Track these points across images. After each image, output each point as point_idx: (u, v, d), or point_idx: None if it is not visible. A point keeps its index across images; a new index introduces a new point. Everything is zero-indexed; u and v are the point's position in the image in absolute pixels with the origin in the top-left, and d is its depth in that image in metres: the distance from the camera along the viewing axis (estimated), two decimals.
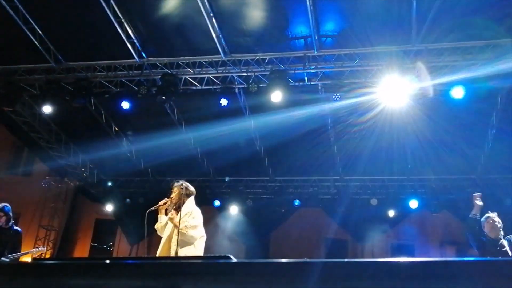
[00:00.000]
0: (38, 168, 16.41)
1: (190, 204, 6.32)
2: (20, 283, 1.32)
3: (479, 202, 6.81)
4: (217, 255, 1.93)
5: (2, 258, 7.54)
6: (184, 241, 5.98)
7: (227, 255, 1.51)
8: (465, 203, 12.51)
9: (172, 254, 5.89)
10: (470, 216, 6.82)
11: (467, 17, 8.50)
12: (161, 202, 6.29)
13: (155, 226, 6.31)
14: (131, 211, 15.10)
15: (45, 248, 8.48)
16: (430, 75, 8.96)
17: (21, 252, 7.96)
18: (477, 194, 6.98)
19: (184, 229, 5.95)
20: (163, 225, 6.25)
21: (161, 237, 6.34)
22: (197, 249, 6.13)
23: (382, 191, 13.71)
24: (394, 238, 15.00)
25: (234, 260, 1.37)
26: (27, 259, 13.51)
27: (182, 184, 6.32)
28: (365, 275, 1.19)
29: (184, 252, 5.92)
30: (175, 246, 5.86)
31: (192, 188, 6.44)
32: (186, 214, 6.14)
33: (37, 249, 9.21)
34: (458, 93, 9.00)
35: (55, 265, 1.46)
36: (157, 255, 6.19)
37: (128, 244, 16.32)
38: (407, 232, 14.60)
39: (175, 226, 5.98)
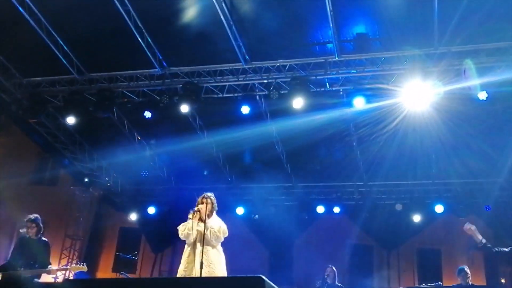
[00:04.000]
0: (63, 178, 16.64)
1: (218, 219, 6.49)
2: None
3: (470, 231, 6.59)
4: (249, 276, 1.91)
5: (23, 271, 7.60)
6: (209, 242, 6.11)
7: (259, 276, 1.49)
8: (492, 208, 12.36)
9: (198, 263, 5.96)
10: (478, 247, 6.54)
11: (491, 19, 8.37)
12: (201, 207, 6.34)
13: (186, 231, 6.26)
14: (155, 219, 15.17)
15: (85, 265, 8.38)
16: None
17: (61, 267, 7.99)
18: (466, 225, 6.68)
19: (213, 232, 6.15)
20: (196, 231, 6.23)
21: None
22: (220, 254, 6.29)
23: (407, 196, 13.52)
24: (420, 244, 14.78)
25: (267, 281, 1.35)
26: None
27: (214, 197, 6.55)
28: None
29: (210, 255, 6.02)
30: (201, 254, 5.93)
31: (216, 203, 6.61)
32: (216, 225, 6.29)
33: (76, 265, 8.97)
34: (481, 95, 8.86)
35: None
36: (182, 266, 6.23)
37: (152, 252, 16.40)
38: (433, 237, 14.40)
39: (202, 235, 6.08)
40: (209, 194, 6.56)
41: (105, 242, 17.08)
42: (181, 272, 6.16)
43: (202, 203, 6.42)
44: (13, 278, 7.58)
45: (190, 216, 6.32)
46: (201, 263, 5.84)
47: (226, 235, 6.33)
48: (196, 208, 6.32)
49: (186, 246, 6.35)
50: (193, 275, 5.93)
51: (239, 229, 14.37)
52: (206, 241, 6.10)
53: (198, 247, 6.16)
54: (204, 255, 6.03)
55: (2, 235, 16.01)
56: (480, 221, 13.35)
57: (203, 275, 5.85)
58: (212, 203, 6.46)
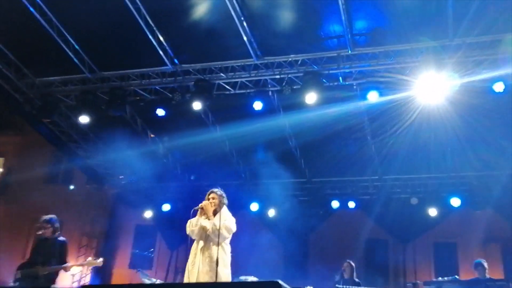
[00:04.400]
0: (77, 177, 16.72)
1: (227, 213, 6.42)
2: None
3: None
4: (265, 280, 1.85)
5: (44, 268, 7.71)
6: (212, 239, 6.11)
7: (276, 280, 1.44)
8: (508, 200, 12.21)
9: (198, 260, 6.03)
10: None
11: (508, 9, 8.22)
12: (205, 203, 6.32)
13: (191, 227, 6.25)
14: (170, 216, 15.21)
15: (100, 259, 8.50)
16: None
17: (78, 263, 8.12)
18: None
19: (214, 228, 6.12)
20: (200, 227, 6.22)
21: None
22: (225, 252, 6.22)
23: (422, 190, 13.42)
24: (436, 237, 14.66)
25: (284, 286, 1.30)
26: (76, 268, 13.73)
27: (220, 192, 6.47)
28: None
29: (212, 253, 6.03)
30: (214, 256, 5.92)
31: (226, 199, 6.54)
32: (225, 221, 6.25)
33: (91, 260, 9.01)
34: (498, 87, 8.74)
35: None
36: (189, 261, 6.22)
37: (168, 249, 16.45)
38: (449, 230, 14.27)
39: (212, 232, 6.07)
40: (215, 189, 6.51)
41: (121, 239, 17.18)
42: (188, 268, 6.16)
43: (208, 199, 6.41)
44: (30, 276, 7.74)
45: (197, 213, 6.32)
46: (217, 260, 5.85)
47: (233, 231, 6.27)
48: (200, 205, 6.31)
49: (194, 242, 6.35)
50: (196, 272, 5.94)
51: (253, 225, 14.39)
52: (209, 238, 6.11)
53: (201, 243, 6.18)
54: (206, 252, 6.07)
55: (18, 234, 16.20)
56: (496, 214, 13.27)
57: (204, 273, 5.90)
58: (219, 199, 6.40)
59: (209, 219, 6.24)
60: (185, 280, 6.13)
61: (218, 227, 6.08)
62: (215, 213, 6.30)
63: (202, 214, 6.29)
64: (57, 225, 8.12)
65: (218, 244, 6.06)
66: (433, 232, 14.42)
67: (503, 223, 13.49)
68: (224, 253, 6.16)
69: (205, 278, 5.90)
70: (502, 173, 12.38)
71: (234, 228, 6.30)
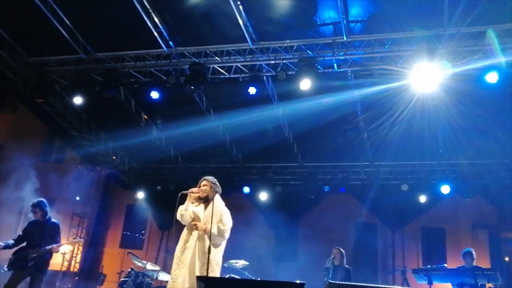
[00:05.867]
0: (70, 157, 16.70)
1: (220, 203, 6.42)
2: None
3: None
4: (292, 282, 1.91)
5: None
6: (214, 237, 6.09)
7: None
8: (498, 188, 12.38)
9: (201, 253, 6.03)
10: None
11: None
12: (194, 189, 6.31)
13: (180, 212, 6.22)
14: (162, 198, 15.29)
15: (82, 239, 8.85)
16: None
17: (60, 244, 8.24)
18: None
19: (218, 225, 6.15)
20: (189, 214, 6.22)
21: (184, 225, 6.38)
22: (221, 252, 6.27)
23: (413, 177, 13.57)
24: (425, 223, 14.82)
25: None
26: (66, 248, 13.99)
27: (213, 180, 6.44)
28: None
29: (207, 244, 5.98)
30: (207, 246, 5.93)
31: (219, 187, 6.51)
32: (219, 212, 6.27)
33: (74, 240, 9.64)
34: (492, 78, 8.79)
35: None
36: (179, 248, 6.20)
37: (159, 230, 16.57)
38: (439, 216, 14.45)
39: (205, 225, 6.11)
40: (208, 177, 6.47)
41: (112, 219, 17.27)
42: (177, 255, 6.13)
43: (199, 186, 6.37)
44: (21, 259, 7.86)
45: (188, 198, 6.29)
46: (209, 249, 5.83)
47: (228, 229, 6.25)
48: (189, 190, 6.28)
49: (185, 228, 6.34)
50: (189, 260, 5.95)
51: (245, 208, 14.50)
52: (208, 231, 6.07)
53: (192, 230, 6.16)
54: (197, 239, 6.08)
55: (10, 213, 16.19)
56: (486, 202, 13.48)
57: (198, 263, 5.92)
58: (210, 186, 6.35)
59: (205, 207, 6.27)
60: (174, 267, 6.09)
61: (223, 229, 6.15)
62: (207, 200, 6.30)
63: (191, 200, 6.28)
64: (45, 208, 8.20)
65: (209, 231, 6.05)
66: (422, 218, 14.60)
67: (491, 210, 13.71)
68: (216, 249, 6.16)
69: (197, 265, 5.93)
70: (494, 161, 12.54)
71: (229, 224, 6.28)
